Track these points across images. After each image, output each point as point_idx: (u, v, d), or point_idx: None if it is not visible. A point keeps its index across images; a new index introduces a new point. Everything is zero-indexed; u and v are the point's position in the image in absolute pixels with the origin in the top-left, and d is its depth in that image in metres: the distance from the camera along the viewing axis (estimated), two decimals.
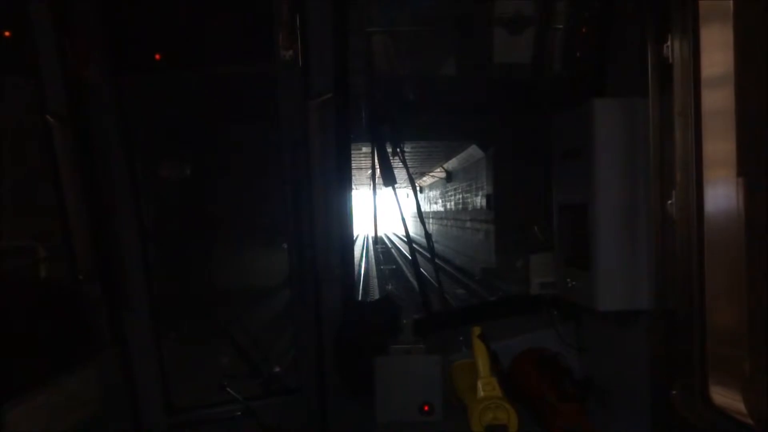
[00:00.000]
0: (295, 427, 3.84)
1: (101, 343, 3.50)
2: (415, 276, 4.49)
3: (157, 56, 3.74)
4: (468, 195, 25.54)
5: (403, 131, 4.35)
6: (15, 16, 3.39)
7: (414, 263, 4.54)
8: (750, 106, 2.25)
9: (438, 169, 31.26)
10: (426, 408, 3.51)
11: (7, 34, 3.68)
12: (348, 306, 3.92)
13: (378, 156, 4.09)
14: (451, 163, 27.76)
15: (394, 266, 28.88)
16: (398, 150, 4.14)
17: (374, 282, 24.08)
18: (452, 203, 30.34)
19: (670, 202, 2.74)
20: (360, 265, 27.91)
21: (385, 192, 4.40)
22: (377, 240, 37.43)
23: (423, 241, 4.48)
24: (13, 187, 3.90)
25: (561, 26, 5.13)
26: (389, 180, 4.08)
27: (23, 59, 3.34)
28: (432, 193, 37.89)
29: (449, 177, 30.13)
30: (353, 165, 4.02)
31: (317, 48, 3.57)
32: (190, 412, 3.87)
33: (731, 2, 2.36)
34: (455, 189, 28.98)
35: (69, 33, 3.22)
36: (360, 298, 14.58)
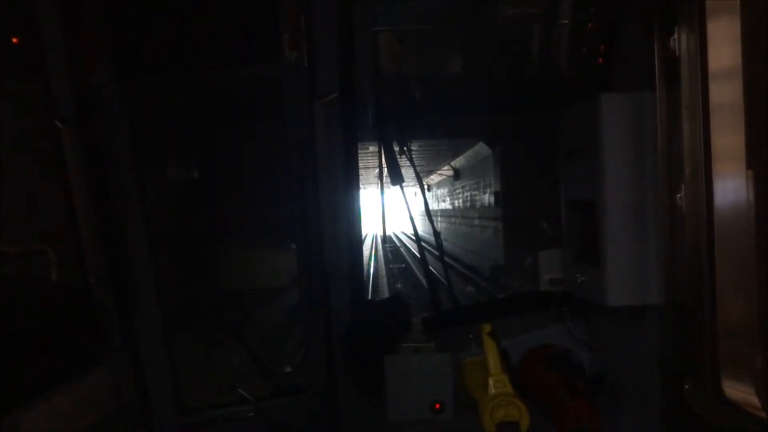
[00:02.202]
0: (306, 427, 3.85)
1: (112, 346, 3.52)
2: (424, 274, 4.50)
3: (165, 59, 3.76)
4: (476, 192, 25.45)
5: (409, 130, 4.36)
6: (23, 20, 3.41)
7: (423, 261, 4.54)
8: (758, 98, 2.24)
9: (445, 167, 31.17)
10: (437, 406, 3.51)
11: (14, 38, 3.70)
12: (357, 305, 3.93)
13: (385, 155, 4.09)
14: (459, 161, 27.67)
15: (403, 265, 28.85)
16: (405, 149, 4.15)
17: (383, 281, 24.08)
18: (460, 201, 30.25)
19: (679, 196, 2.73)
20: (369, 264, 27.92)
21: (393, 191, 4.41)
22: (386, 239, 37.42)
23: (431, 239, 4.48)
24: (23, 190, 3.92)
25: (567, 22, 5.12)
26: (397, 179, 4.09)
27: (31, 63, 3.35)
28: (440, 191, 37.81)
29: (457, 175, 30.03)
30: (360, 164, 4.03)
31: (323, 48, 3.57)
32: (201, 413, 3.89)
33: None
34: (463, 187, 28.89)
35: (76, 36, 3.23)
36: (369, 297, 14.58)
